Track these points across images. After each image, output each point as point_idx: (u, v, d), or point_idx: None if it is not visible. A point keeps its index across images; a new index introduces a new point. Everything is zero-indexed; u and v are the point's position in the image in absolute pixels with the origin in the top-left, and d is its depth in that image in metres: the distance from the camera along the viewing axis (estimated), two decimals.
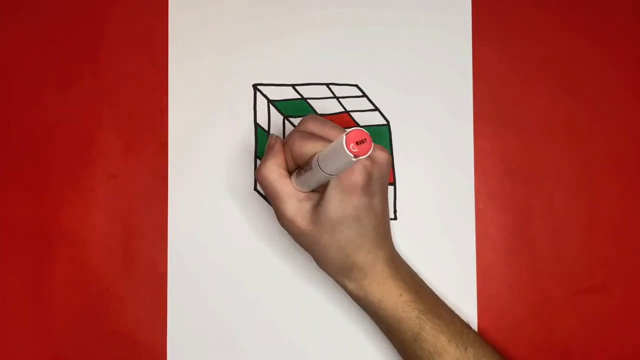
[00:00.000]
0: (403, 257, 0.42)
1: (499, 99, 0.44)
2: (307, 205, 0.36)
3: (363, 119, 0.44)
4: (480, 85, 0.44)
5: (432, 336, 0.37)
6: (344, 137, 0.29)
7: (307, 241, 0.37)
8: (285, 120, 0.44)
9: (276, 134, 0.38)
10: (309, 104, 0.44)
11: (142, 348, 0.43)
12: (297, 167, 0.37)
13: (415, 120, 0.44)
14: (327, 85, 0.44)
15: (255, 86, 0.44)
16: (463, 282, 0.43)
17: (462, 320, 0.40)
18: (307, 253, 0.39)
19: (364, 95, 0.44)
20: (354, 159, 0.29)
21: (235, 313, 0.43)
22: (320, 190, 0.37)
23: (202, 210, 0.44)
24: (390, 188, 0.44)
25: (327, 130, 0.36)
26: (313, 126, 0.37)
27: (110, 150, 0.44)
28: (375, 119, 0.44)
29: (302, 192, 0.36)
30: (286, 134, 0.44)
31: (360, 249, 0.37)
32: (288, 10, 0.44)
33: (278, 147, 0.37)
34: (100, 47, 0.45)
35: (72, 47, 0.45)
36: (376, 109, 0.44)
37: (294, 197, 0.36)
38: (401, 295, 0.38)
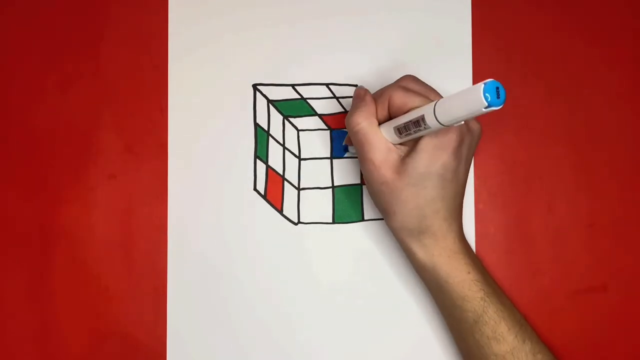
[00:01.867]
0: (402, 256, 0.42)
1: None
2: (395, 155, 0.36)
3: None
4: None
5: (494, 321, 0.36)
6: (482, 84, 0.29)
7: (387, 191, 0.36)
8: (285, 120, 0.44)
9: (364, 87, 0.39)
10: (308, 104, 0.44)
11: (142, 348, 0.43)
12: (387, 119, 0.37)
13: None
14: (327, 85, 0.44)
15: (255, 86, 0.44)
16: None
17: (520, 314, 0.39)
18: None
19: None
20: (484, 109, 0.29)
21: (235, 313, 0.43)
22: (408, 144, 0.37)
23: (202, 210, 0.44)
24: None
25: (428, 91, 0.37)
26: (415, 85, 0.37)
27: (110, 150, 0.44)
28: None
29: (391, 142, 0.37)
30: (286, 134, 0.44)
31: (438, 213, 0.36)
32: (288, 10, 0.44)
33: (369, 97, 0.37)
34: (100, 47, 0.45)
35: (72, 47, 0.45)
36: None
37: (384, 145, 0.36)
38: (469, 272, 0.37)
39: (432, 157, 0.35)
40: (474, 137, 0.37)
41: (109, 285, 0.44)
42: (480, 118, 0.44)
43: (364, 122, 0.36)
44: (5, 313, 0.44)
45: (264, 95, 0.44)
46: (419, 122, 0.34)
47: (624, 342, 0.43)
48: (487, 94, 0.29)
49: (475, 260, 0.38)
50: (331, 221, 0.44)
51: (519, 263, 0.43)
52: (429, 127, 0.33)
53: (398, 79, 0.38)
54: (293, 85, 0.44)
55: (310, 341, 0.43)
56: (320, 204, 0.44)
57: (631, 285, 0.43)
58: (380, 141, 0.36)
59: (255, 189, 0.44)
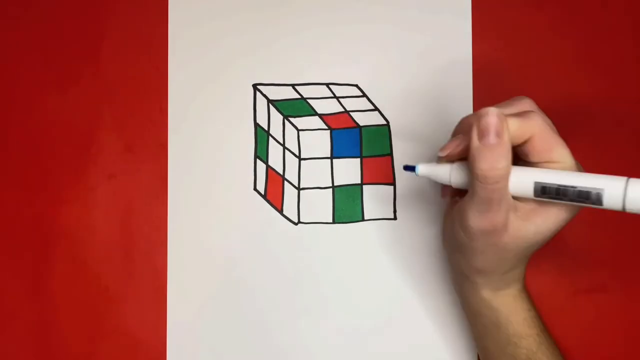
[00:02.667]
0: (403, 256, 0.42)
1: (499, 99, 0.44)
2: (512, 216, 0.31)
3: (363, 119, 0.44)
4: (480, 85, 0.44)
5: (547, 357, 0.36)
6: None
7: (491, 248, 0.32)
8: (285, 120, 0.44)
9: (498, 111, 0.29)
10: (309, 104, 0.44)
11: (142, 348, 0.43)
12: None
13: (415, 120, 0.44)
14: (327, 85, 0.44)
15: (255, 86, 0.44)
16: None
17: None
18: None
19: (364, 95, 0.44)
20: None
21: (236, 313, 0.43)
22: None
23: (202, 210, 0.44)
24: (390, 188, 0.44)
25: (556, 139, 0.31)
26: (549, 121, 0.31)
27: (110, 150, 0.44)
28: (375, 119, 0.44)
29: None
30: (286, 134, 0.44)
31: (525, 261, 0.35)
32: (288, 10, 0.44)
33: (507, 136, 0.29)
34: (100, 47, 0.45)
35: (72, 47, 0.45)
36: (376, 109, 0.44)
37: (509, 205, 0.31)
38: (530, 310, 0.36)
39: (556, 227, 0.31)
40: None
41: (109, 285, 0.44)
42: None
43: (503, 171, 0.28)
44: (5, 313, 0.44)
45: (264, 95, 0.44)
46: (588, 196, 0.28)
47: (624, 342, 0.43)
48: None
49: (530, 297, 0.37)
50: (331, 221, 0.44)
51: None
52: (599, 206, 0.28)
53: (522, 101, 0.31)
54: (293, 85, 0.44)
55: (311, 341, 0.43)
56: (320, 204, 0.44)
57: (631, 285, 0.43)
58: (509, 200, 0.30)
59: (255, 189, 0.44)
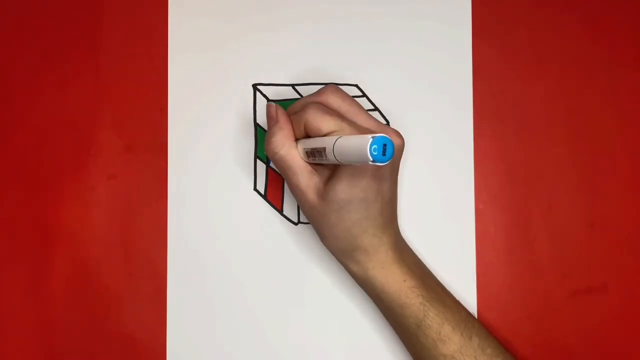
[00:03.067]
0: None
1: (499, 98, 0.44)
2: (317, 179, 0.36)
3: None
4: (480, 85, 0.44)
5: (437, 323, 0.37)
6: (369, 141, 0.29)
7: (316, 215, 0.37)
8: None
9: (274, 103, 0.38)
10: None
11: (142, 348, 0.43)
12: (306, 136, 0.36)
13: (415, 120, 0.44)
14: (327, 85, 0.44)
15: (255, 86, 0.44)
16: (463, 281, 0.43)
17: (467, 310, 0.39)
18: (314, 238, 0.39)
19: (364, 95, 0.44)
20: (371, 163, 0.29)
21: (236, 313, 0.43)
22: (329, 167, 0.37)
23: (202, 210, 0.44)
24: None
25: (347, 108, 0.36)
26: (333, 100, 0.36)
27: (110, 150, 0.44)
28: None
29: (310, 163, 0.36)
30: None
31: (366, 232, 0.37)
32: (288, 10, 0.44)
33: (283, 118, 0.37)
34: (99, 47, 0.45)
35: (72, 47, 0.45)
36: (376, 109, 0.44)
37: (306, 170, 0.36)
38: (405, 281, 0.37)
39: (351, 183, 0.35)
40: (395, 153, 0.36)
41: (109, 285, 0.44)
42: (477, 118, 0.44)
43: (282, 150, 0.36)
44: (5, 313, 0.44)
45: (264, 95, 0.44)
46: (321, 153, 0.33)
47: (624, 342, 0.43)
48: (374, 146, 0.29)
49: (413, 267, 0.38)
50: None
51: (519, 263, 0.43)
52: (332, 161, 0.33)
53: (319, 91, 0.37)
54: (293, 85, 0.44)
55: (310, 341, 0.43)
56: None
57: (631, 285, 0.43)
58: (301, 166, 0.36)
59: (255, 189, 0.44)
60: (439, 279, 0.42)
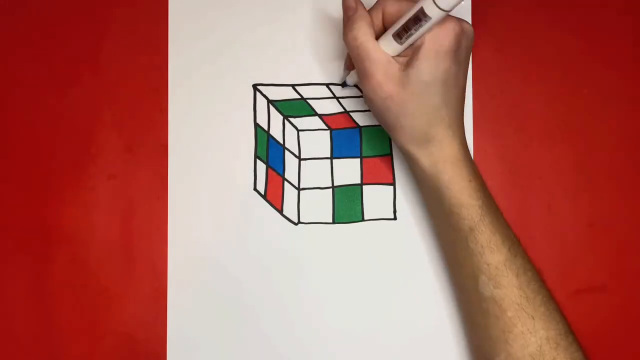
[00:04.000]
0: (402, 256, 0.42)
1: (499, 99, 0.44)
2: (396, 68, 0.36)
3: (363, 119, 0.44)
4: (480, 85, 0.44)
5: (490, 230, 0.36)
6: None
7: (393, 105, 0.36)
8: (285, 120, 0.44)
9: None
10: (309, 104, 0.44)
11: (142, 348, 0.43)
12: (382, 31, 0.37)
13: None
14: (327, 85, 0.44)
15: (255, 86, 0.44)
16: None
17: (513, 231, 0.39)
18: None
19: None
20: None
21: (235, 313, 0.43)
22: (407, 54, 0.36)
23: (202, 210, 0.44)
24: (390, 188, 0.44)
25: None
26: None
27: (110, 150, 0.44)
28: (375, 119, 0.44)
29: (391, 54, 0.36)
30: (286, 134, 0.44)
31: (443, 120, 0.36)
32: (288, 10, 0.44)
33: (362, 8, 0.36)
34: (100, 47, 0.45)
35: (72, 47, 0.45)
36: None
37: (384, 59, 0.36)
38: (470, 180, 0.37)
39: (435, 63, 0.35)
40: (468, 38, 0.36)
41: (109, 286, 0.44)
42: (477, 118, 0.44)
43: (363, 37, 0.36)
44: (6, 313, 0.44)
45: (264, 95, 0.44)
46: (418, 17, 0.34)
47: (624, 342, 0.43)
48: None
49: (476, 170, 0.38)
50: (331, 221, 0.44)
51: None
52: (430, 18, 0.33)
53: None
54: (293, 85, 0.44)
55: (310, 341, 0.43)
56: (320, 204, 0.44)
57: (631, 285, 0.43)
58: (381, 55, 0.36)
59: (255, 189, 0.44)
60: (438, 279, 0.42)
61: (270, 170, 0.44)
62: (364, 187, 0.44)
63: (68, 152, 0.44)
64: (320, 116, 0.44)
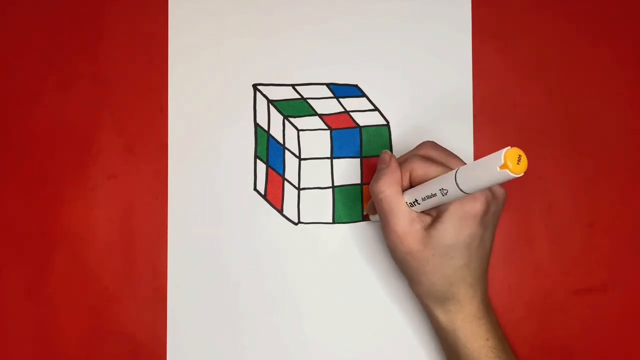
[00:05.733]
0: None
1: (499, 99, 0.44)
2: (419, 226, 0.36)
3: (363, 119, 0.44)
4: (480, 85, 0.44)
5: None
6: (502, 153, 0.29)
7: (413, 262, 0.36)
8: (285, 120, 0.44)
9: (389, 151, 0.39)
10: (309, 104, 0.44)
11: (142, 348, 0.43)
12: (408, 188, 0.37)
13: (415, 120, 0.44)
14: (327, 85, 0.44)
15: (255, 86, 0.44)
16: None
17: None
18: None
19: (364, 95, 0.44)
20: (511, 176, 0.29)
21: (235, 313, 0.43)
22: (432, 213, 0.36)
23: (202, 210, 0.44)
24: None
25: (448, 158, 0.37)
26: (434, 152, 0.37)
27: (110, 150, 0.44)
28: (375, 119, 0.44)
29: (415, 211, 0.36)
30: (286, 134, 0.44)
31: (464, 280, 0.36)
32: (288, 10, 0.44)
33: (395, 164, 0.37)
34: (100, 47, 0.45)
35: (72, 47, 0.45)
36: (376, 109, 0.44)
37: (407, 215, 0.36)
38: (488, 339, 0.37)
39: (459, 228, 0.35)
40: (499, 203, 0.36)
41: (109, 285, 0.44)
42: (477, 118, 0.44)
43: (388, 190, 0.36)
44: (5, 313, 0.44)
45: (264, 95, 0.44)
46: (444, 192, 0.34)
47: (624, 342, 0.43)
48: (508, 161, 0.29)
49: (496, 325, 0.38)
50: (331, 221, 0.44)
51: (519, 263, 0.43)
52: (452, 196, 0.33)
53: (418, 146, 0.38)
54: (293, 85, 0.44)
55: (310, 341, 0.43)
56: (320, 204, 0.44)
57: (631, 285, 0.43)
58: (404, 211, 0.36)
59: (255, 189, 0.44)
60: None
61: (270, 170, 0.44)
62: (364, 187, 0.44)
63: (68, 152, 0.44)
64: (320, 116, 0.44)
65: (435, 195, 0.34)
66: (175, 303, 0.43)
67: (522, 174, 0.29)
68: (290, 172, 0.44)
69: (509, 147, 0.29)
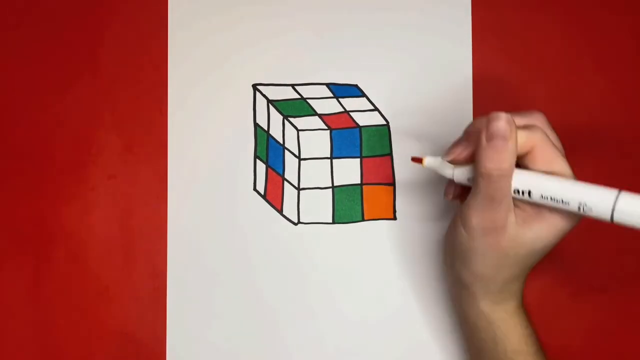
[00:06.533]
0: (402, 256, 0.42)
1: (499, 98, 0.44)
2: (513, 217, 0.33)
3: (363, 119, 0.44)
4: (481, 85, 0.44)
5: None
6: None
7: (489, 250, 0.33)
8: (285, 120, 0.44)
9: (507, 115, 0.31)
10: (308, 104, 0.44)
11: (142, 348, 0.43)
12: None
13: (415, 120, 0.44)
14: (327, 85, 0.44)
15: (255, 86, 0.44)
16: None
17: None
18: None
19: (364, 95, 0.44)
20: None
21: (235, 313, 0.43)
22: (529, 211, 0.33)
23: (202, 210, 0.44)
24: (390, 188, 0.44)
25: (562, 152, 0.33)
26: (556, 140, 0.34)
27: (110, 150, 0.44)
28: (375, 119, 0.44)
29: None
30: (286, 134, 0.44)
31: (521, 278, 0.36)
32: (288, 10, 0.44)
33: (514, 138, 0.31)
34: (100, 47, 0.45)
35: (72, 47, 0.45)
36: (376, 109, 0.44)
37: (510, 205, 0.32)
38: (527, 327, 0.36)
39: (553, 239, 0.33)
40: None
41: (109, 285, 0.44)
42: (478, 116, 0.44)
43: (507, 172, 0.31)
44: (5, 313, 0.44)
45: (264, 95, 0.44)
46: (579, 206, 0.30)
47: (624, 342, 0.43)
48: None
49: (528, 316, 0.38)
50: (331, 221, 0.44)
51: None
52: (588, 215, 0.30)
53: (536, 115, 0.34)
54: (293, 85, 0.44)
55: (310, 341, 0.43)
56: (320, 204, 0.44)
57: (631, 285, 0.43)
58: (508, 198, 0.32)
59: (255, 189, 0.44)
60: (439, 281, 0.42)
61: (270, 170, 0.44)
62: (364, 187, 0.44)
63: (68, 152, 0.44)
64: (320, 116, 0.44)
65: (567, 203, 0.30)
66: (175, 303, 0.43)
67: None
68: (290, 172, 0.44)
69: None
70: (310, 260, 0.44)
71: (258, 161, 0.44)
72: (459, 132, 0.44)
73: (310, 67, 0.44)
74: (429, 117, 0.44)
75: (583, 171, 0.44)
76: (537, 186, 0.31)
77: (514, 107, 0.44)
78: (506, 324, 0.36)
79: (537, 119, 0.34)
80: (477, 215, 0.33)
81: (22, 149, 0.44)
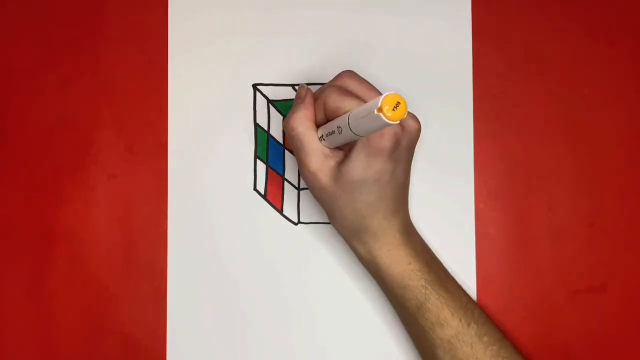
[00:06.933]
0: None
1: (499, 98, 0.44)
2: (331, 162, 0.36)
3: None
4: (480, 85, 0.44)
5: (436, 307, 0.37)
6: (380, 99, 0.28)
7: (325, 197, 0.37)
8: None
9: (306, 85, 0.38)
10: None
11: (142, 348, 0.43)
12: (326, 121, 0.37)
13: None
14: None
15: (255, 86, 0.44)
16: (463, 282, 0.43)
17: (469, 297, 0.40)
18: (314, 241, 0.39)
19: None
20: (387, 122, 0.29)
21: (235, 313, 0.43)
22: (345, 149, 0.37)
23: (202, 210, 0.44)
24: None
25: (364, 90, 0.36)
26: (351, 83, 0.37)
27: (110, 150, 0.44)
28: None
29: (327, 147, 0.36)
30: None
31: (376, 213, 0.37)
32: (288, 10, 0.44)
33: (309, 99, 0.37)
34: (99, 47, 0.45)
35: (72, 47, 0.45)
36: None
37: (319, 152, 0.36)
38: (409, 263, 0.38)
39: (366, 164, 0.35)
40: (411, 137, 0.36)
41: (109, 285, 0.44)
42: (477, 118, 0.44)
43: (300, 127, 0.36)
44: (5, 313, 0.44)
45: (264, 95, 0.44)
46: (339, 130, 0.33)
47: (624, 342, 0.43)
48: (386, 107, 0.28)
49: (419, 250, 0.39)
50: None
51: (519, 263, 0.43)
52: (350, 136, 0.33)
53: (336, 76, 0.37)
54: (293, 85, 0.44)
55: (310, 341, 0.43)
56: (320, 204, 0.44)
57: (631, 285, 0.43)
58: (316, 147, 0.36)
59: (255, 189, 0.44)
60: None
61: (270, 170, 0.44)
62: None
63: (68, 152, 0.44)
64: None
65: (334, 132, 0.34)
66: (175, 303, 0.43)
67: (398, 121, 0.29)
68: (290, 172, 0.44)
69: (393, 92, 0.29)
70: (310, 260, 0.44)
71: (258, 161, 0.44)
72: (459, 132, 0.44)
73: (310, 67, 0.44)
74: (428, 117, 0.44)
75: (583, 170, 0.44)
76: (323, 129, 0.36)
77: (514, 106, 0.44)
78: (385, 262, 0.38)
79: (340, 79, 0.37)
80: (301, 173, 0.37)
81: (22, 149, 0.44)
